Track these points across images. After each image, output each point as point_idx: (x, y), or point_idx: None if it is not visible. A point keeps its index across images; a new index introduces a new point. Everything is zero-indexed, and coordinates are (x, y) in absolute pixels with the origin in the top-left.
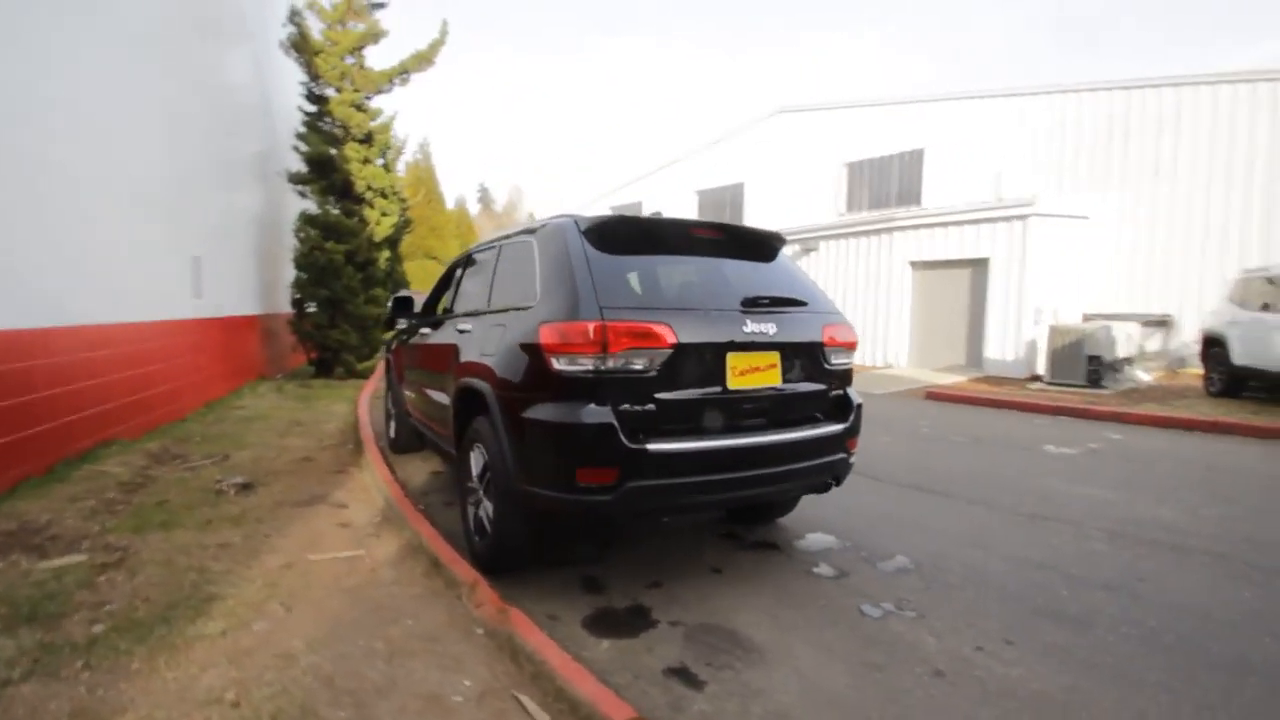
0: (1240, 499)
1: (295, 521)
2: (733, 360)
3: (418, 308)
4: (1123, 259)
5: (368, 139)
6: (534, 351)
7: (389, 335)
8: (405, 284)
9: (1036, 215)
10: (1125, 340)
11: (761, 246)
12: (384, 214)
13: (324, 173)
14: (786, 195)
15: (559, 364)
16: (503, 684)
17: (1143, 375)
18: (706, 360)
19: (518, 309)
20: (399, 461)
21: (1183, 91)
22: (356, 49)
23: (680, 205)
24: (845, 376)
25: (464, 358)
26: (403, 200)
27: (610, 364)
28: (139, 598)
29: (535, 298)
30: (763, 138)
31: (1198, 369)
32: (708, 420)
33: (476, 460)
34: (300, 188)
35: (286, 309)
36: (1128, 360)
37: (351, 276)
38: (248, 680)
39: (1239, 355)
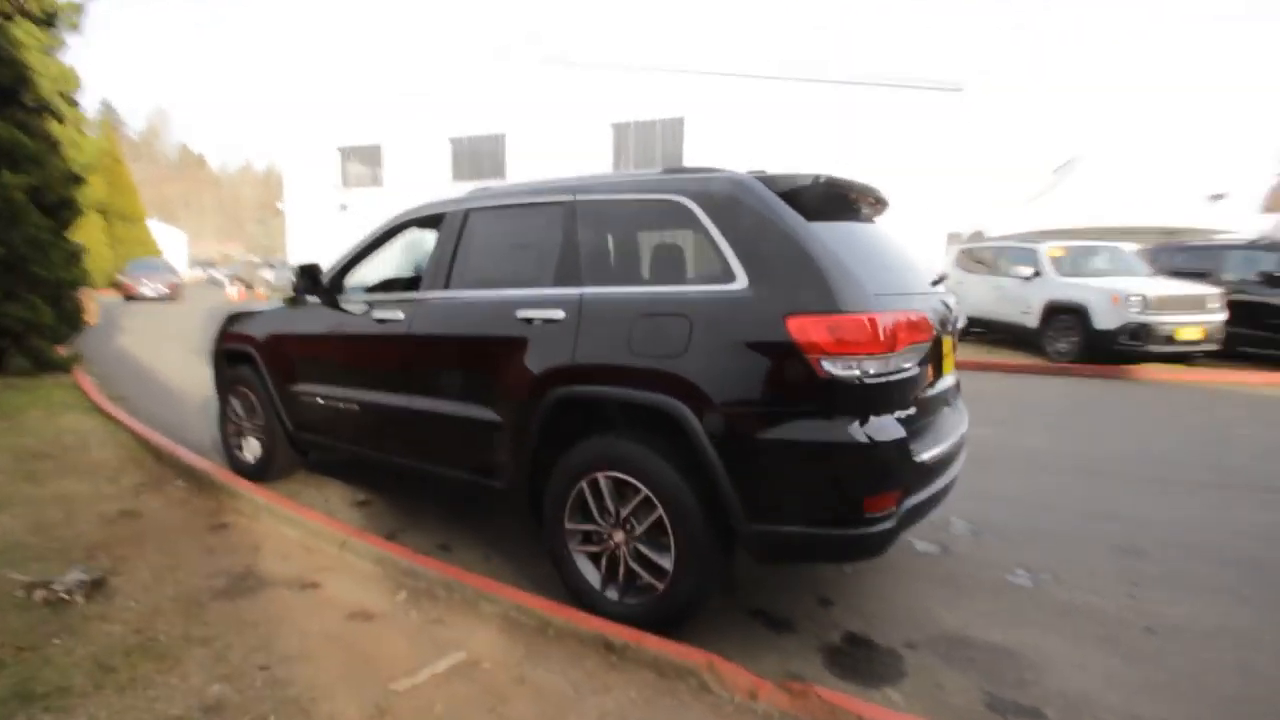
0: (1091, 422)
1: (276, 635)
2: (944, 349)
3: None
4: None
5: (51, 19)
6: (781, 353)
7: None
8: (78, 254)
9: None
10: None
11: (881, 206)
12: (82, 131)
13: None
14: (553, 152)
15: (831, 368)
16: None
17: None
18: (932, 352)
19: (701, 294)
20: (285, 492)
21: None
22: None
23: (431, 154)
24: None
25: (558, 359)
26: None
27: (893, 364)
28: None
29: (732, 279)
30: (527, 87)
31: None
32: (940, 420)
33: (600, 497)
34: None
35: None
36: None
37: (38, 223)
38: None
39: (965, 308)
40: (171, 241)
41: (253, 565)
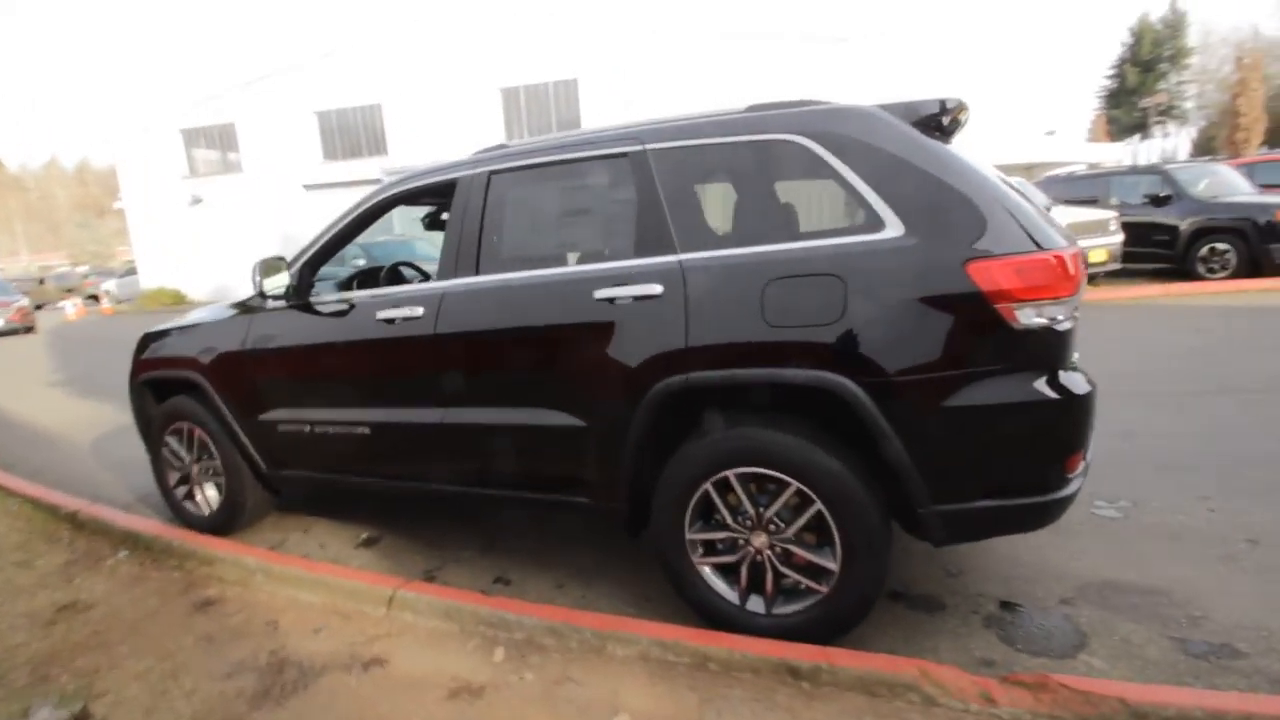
0: None
1: None
2: None
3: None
4: None
5: None
6: (965, 305)
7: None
8: None
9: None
10: None
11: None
12: None
13: None
14: (438, 122)
15: (1026, 317)
16: None
17: None
18: None
19: (851, 248)
20: (265, 542)
21: None
22: None
23: (296, 129)
24: None
25: (665, 343)
26: None
27: (1072, 306)
28: None
29: (881, 226)
30: (403, 52)
31: None
32: None
33: (731, 499)
34: None
35: None
36: None
37: None
38: None
39: None
40: None
41: (281, 650)
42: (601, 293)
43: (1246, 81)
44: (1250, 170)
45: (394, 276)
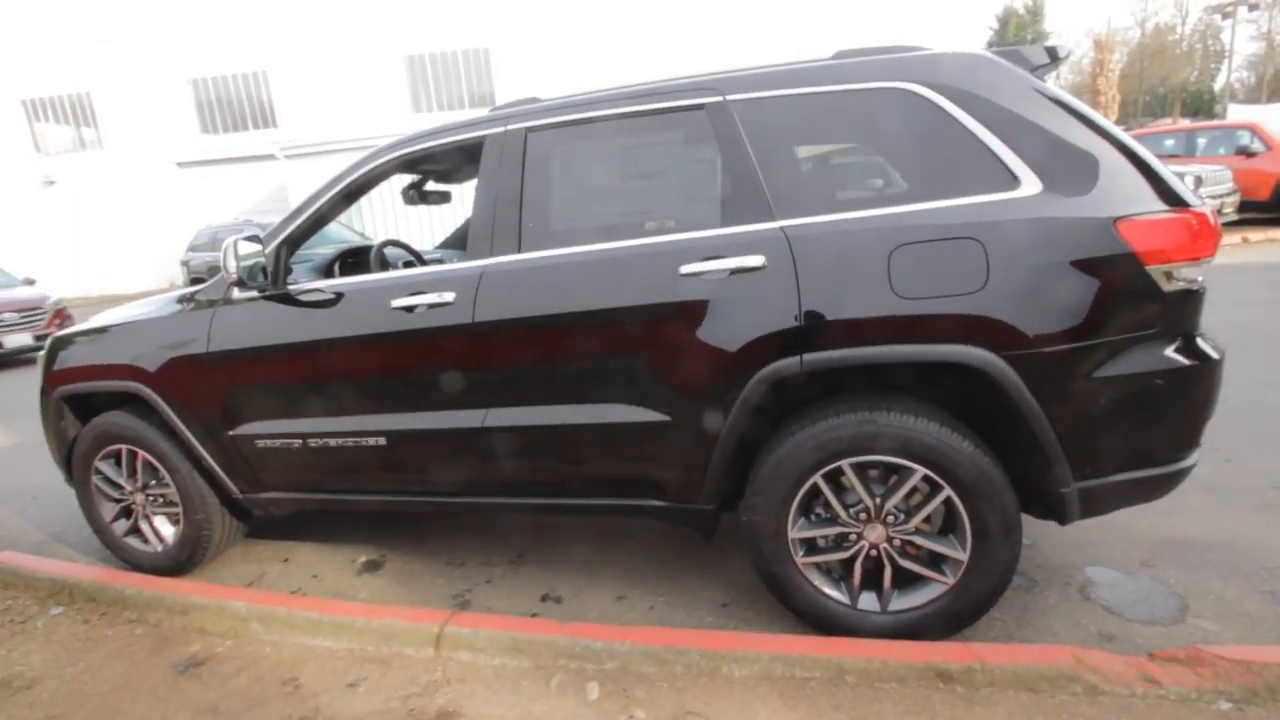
0: None
1: None
2: None
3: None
4: None
5: None
6: (1116, 267)
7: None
8: None
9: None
10: None
11: None
12: None
13: None
14: (335, 92)
15: (1173, 278)
16: None
17: None
18: None
19: (989, 207)
20: (237, 578)
21: None
22: None
23: (165, 102)
24: None
25: (773, 321)
26: None
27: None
28: None
29: (1015, 183)
30: (292, 12)
31: None
32: None
33: (843, 491)
34: None
35: None
36: None
37: None
38: None
39: None
40: None
41: (316, 715)
42: (688, 268)
43: (1104, 62)
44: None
45: (382, 258)
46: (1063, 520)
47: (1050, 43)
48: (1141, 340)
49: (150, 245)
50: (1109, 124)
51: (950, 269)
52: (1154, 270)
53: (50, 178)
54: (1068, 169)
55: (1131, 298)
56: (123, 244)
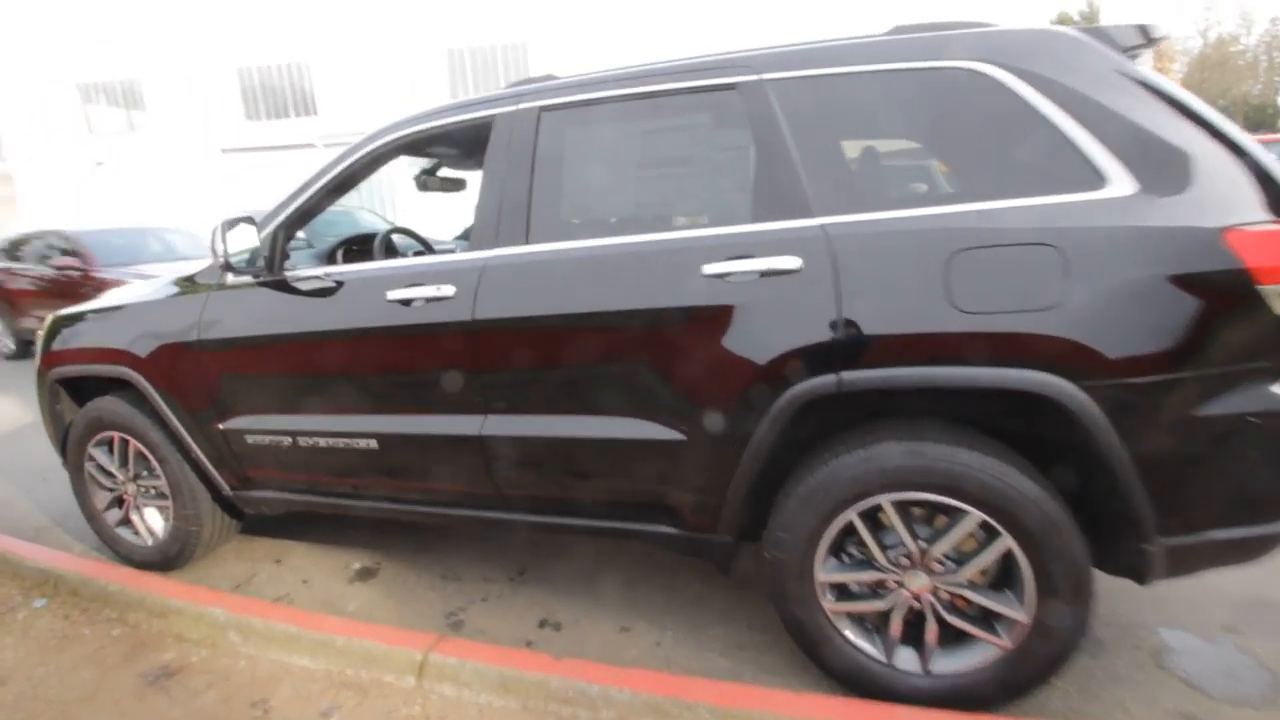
0: None
1: None
2: None
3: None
4: None
5: None
6: (1226, 285)
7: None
8: None
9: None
10: None
11: None
12: None
13: None
14: (375, 83)
15: None
16: None
17: None
18: None
19: (1071, 210)
20: (226, 579)
21: None
22: None
23: (212, 89)
24: None
25: (807, 333)
26: None
27: None
28: None
29: (1102, 182)
30: (335, 8)
31: None
32: None
33: (880, 531)
34: None
35: None
36: None
37: None
38: None
39: None
40: None
41: None
42: (712, 268)
43: (1164, 71)
44: None
45: (389, 248)
46: (1142, 580)
47: (1148, 22)
48: (1248, 375)
49: (193, 228)
50: (1215, 115)
51: (1020, 280)
52: (1268, 291)
53: (100, 159)
54: (1169, 167)
55: (1238, 323)
56: (172, 222)
